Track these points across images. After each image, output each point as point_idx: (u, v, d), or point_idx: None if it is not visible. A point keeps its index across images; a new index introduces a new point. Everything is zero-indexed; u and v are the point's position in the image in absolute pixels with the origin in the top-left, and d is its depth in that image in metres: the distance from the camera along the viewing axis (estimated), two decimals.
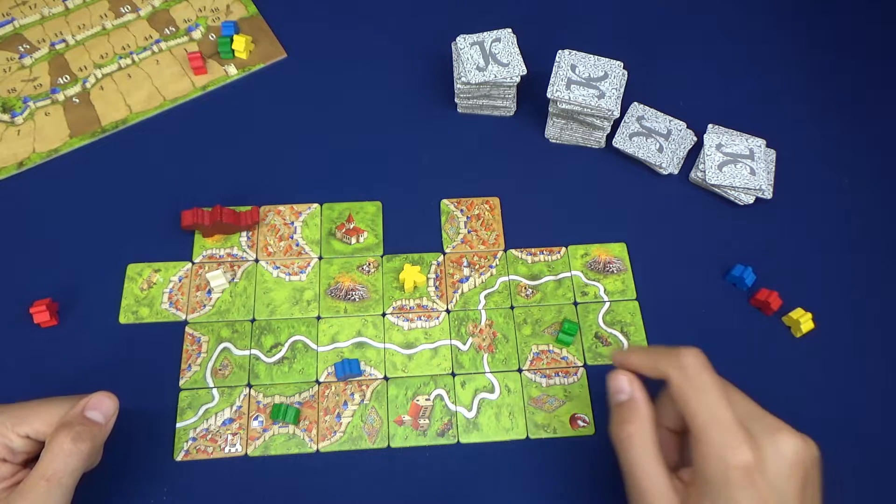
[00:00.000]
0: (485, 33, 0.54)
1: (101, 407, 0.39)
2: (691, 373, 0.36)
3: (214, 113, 0.57)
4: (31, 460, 0.39)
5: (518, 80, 0.53)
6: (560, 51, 0.53)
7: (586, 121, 0.53)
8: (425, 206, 0.53)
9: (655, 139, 0.55)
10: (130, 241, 0.51)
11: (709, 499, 0.34)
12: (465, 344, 0.48)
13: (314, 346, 0.48)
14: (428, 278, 0.50)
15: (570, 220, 0.53)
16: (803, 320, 0.48)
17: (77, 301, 0.49)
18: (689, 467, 0.36)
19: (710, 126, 0.56)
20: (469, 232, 0.52)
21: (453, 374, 0.47)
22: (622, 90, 0.53)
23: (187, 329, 0.48)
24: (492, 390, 0.47)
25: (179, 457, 0.44)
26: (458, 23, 0.57)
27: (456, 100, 0.56)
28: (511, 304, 0.50)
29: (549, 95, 0.52)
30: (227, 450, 0.45)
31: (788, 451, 0.34)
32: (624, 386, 0.39)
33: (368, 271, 0.51)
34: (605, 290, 0.50)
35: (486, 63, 0.53)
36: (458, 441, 0.45)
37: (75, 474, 0.36)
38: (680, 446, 0.39)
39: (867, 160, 0.57)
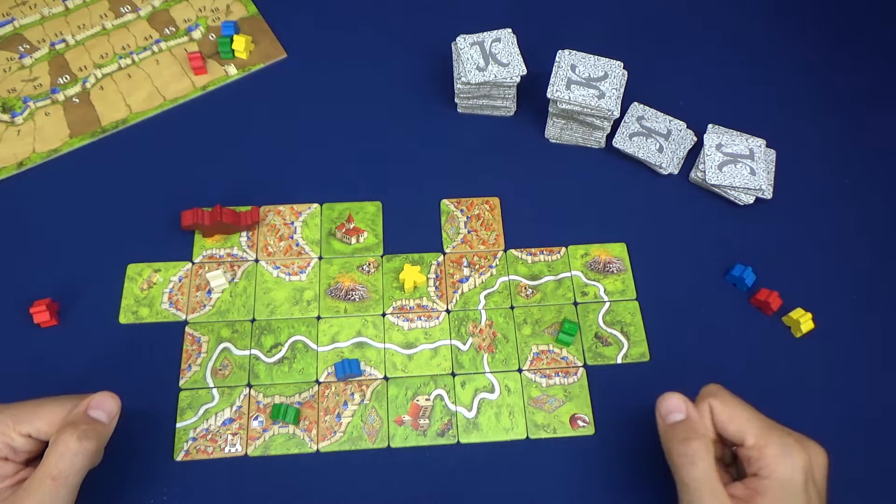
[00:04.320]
0: (485, 33, 0.54)
1: (104, 406, 0.39)
2: (727, 397, 0.40)
3: (214, 113, 0.57)
4: (32, 459, 0.39)
5: (518, 80, 0.53)
6: (560, 51, 0.53)
7: (586, 121, 0.53)
8: (425, 206, 0.53)
9: (655, 139, 0.55)
10: (130, 241, 0.51)
11: (762, 492, 0.37)
12: (465, 344, 0.48)
13: (314, 346, 0.48)
14: (428, 278, 0.50)
15: (570, 220, 0.53)
16: (803, 320, 0.48)
17: (77, 301, 0.49)
18: (739, 482, 0.38)
19: (710, 126, 0.56)
20: (469, 232, 0.52)
21: (453, 374, 0.47)
22: (622, 90, 0.53)
23: (187, 329, 0.48)
24: (492, 390, 0.47)
25: (179, 457, 0.44)
26: (458, 23, 0.57)
27: (456, 100, 0.56)
28: (511, 304, 0.50)
29: (549, 95, 0.52)
30: (227, 450, 0.44)
31: (821, 460, 0.38)
32: (679, 405, 0.40)
33: (368, 271, 0.51)
34: (605, 290, 0.50)
35: (486, 63, 0.53)
36: (458, 441, 0.45)
37: (81, 473, 0.37)
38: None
39: (867, 160, 0.57)
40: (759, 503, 0.37)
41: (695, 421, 0.39)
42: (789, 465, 0.37)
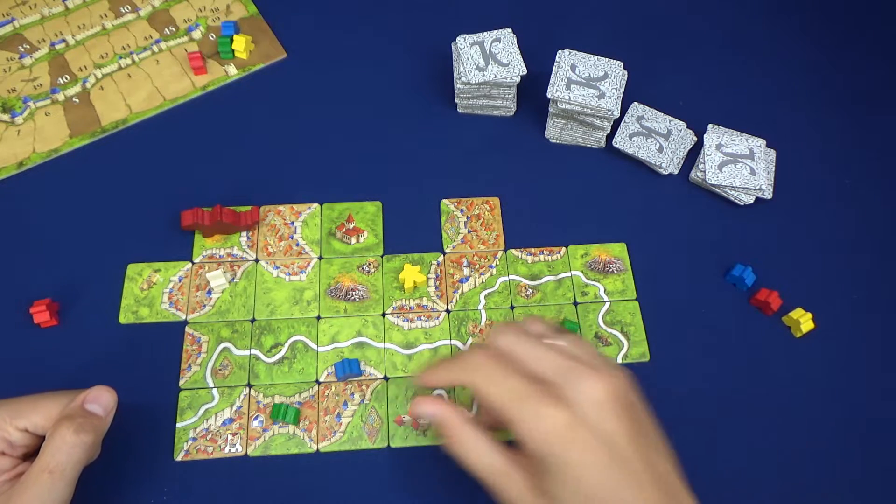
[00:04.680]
0: (485, 33, 0.54)
1: (101, 400, 0.39)
2: (474, 366, 0.37)
3: (214, 113, 0.57)
4: (30, 454, 0.39)
5: (518, 80, 0.53)
6: (560, 51, 0.53)
7: (586, 121, 0.53)
8: (425, 206, 0.53)
9: (655, 139, 0.55)
10: (130, 241, 0.51)
11: (543, 468, 0.34)
12: (465, 344, 0.48)
13: (314, 346, 0.48)
14: (428, 278, 0.50)
15: (570, 220, 0.53)
16: (803, 320, 0.48)
17: (77, 301, 0.49)
18: None
19: (710, 126, 0.56)
20: (469, 232, 0.52)
21: None
22: (622, 90, 0.53)
23: (187, 329, 0.48)
24: None
25: (179, 457, 0.44)
26: (458, 23, 0.57)
27: (456, 100, 0.56)
28: (511, 304, 0.50)
29: (549, 95, 0.52)
30: (227, 450, 0.45)
31: (598, 394, 0.35)
32: (426, 410, 0.39)
33: (368, 271, 0.51)
34: (605, 290, 0.50)
35: (486, 63, 0.53)
36: None
37: (78, 466, 0.37)
38: None
39: (867, 160, 0.57)
40: (533, 470, 0.35)
41: (443, 415, 0.38)
42: (537, 434, 0.34)
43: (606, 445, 0.34)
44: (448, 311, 0.49)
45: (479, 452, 0.37)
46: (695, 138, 0.56)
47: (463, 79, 0.53)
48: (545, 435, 0.34)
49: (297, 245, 0.51)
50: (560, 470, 0.34)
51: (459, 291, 0.50)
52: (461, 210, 0.53)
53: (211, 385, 0.46)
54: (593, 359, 0.37)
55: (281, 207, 0.53)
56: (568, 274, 0.51)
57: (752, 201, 0.53)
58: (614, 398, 0.35)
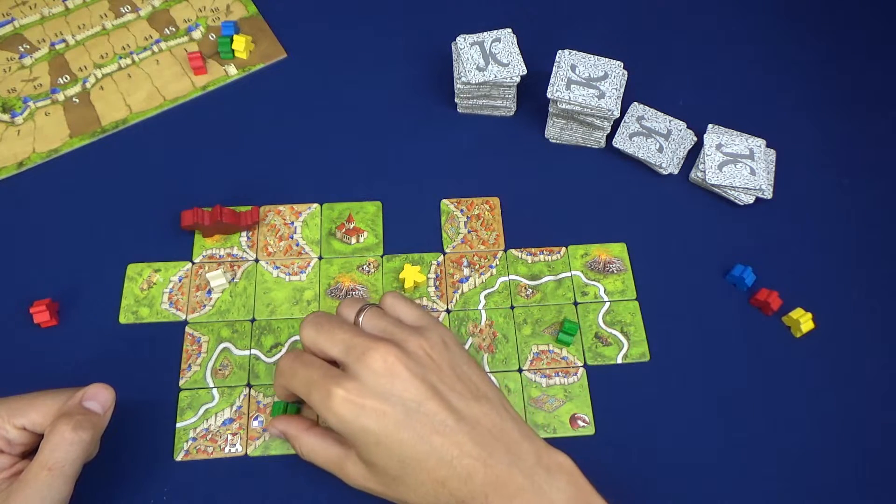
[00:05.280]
0: (485, 33, 0.54)
1: (99, 397, 0.39)
2: (280, 370, 0.41)
3: (214, 113, 0.57)
4: (28, 452, 0.39)
5: (518, 80, 0.53)
6: (560, 51, 0.53)
7: (586, 121, 0.53)
8: (425, 206, 0.53)
9: (655, 139, 0.55)
10: (130, 241, 0.51)
11: (355, 442, 0.37)
12: (465, 344, 0.48)
13: None
14: (428, 278, 0.50)
15: (570, 220, 0.53)
16: (803, 320, 0.48)
17: (77, 301, 0.49)
18: None
19: (710, 126, 0.56)
20: (469, 232, 0.52)
21: None
22: (622, 90, 0.53)
23: (187, 329, 0.48)
24: None
25: (179, 457, 0.44)
26: (458, 23, 0.57)
27: (456, 100, 0.56)
28: (511, 304, 0.50)
29: (549, 95, 0.52)
30: (227, 450, 0.45)
31: (378, 364, 0.37)
32: (272, 431, 0.43)
33: (368, 271, 0.51)
34: (605, 290, 0.50)
35: (486, 63, 0.53)
36: None
37: (76, 464, 0.37)
38: None
39: (867, 160, 0.57)
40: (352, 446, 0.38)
41: (287, 431, 0.42)
42: (331, 416, 0.37)
43: (399, 406, 0.36)
44: (448, 311, 0.49)
45: (318, 450, 0.40)
46: (695, 138, 0.56)
47: (463, 79, 0.53)
48: (338, 413, 0.36)
49: (297, 245, 0.51)
50: (365, 439, 0.36)
51: (459, 291, 0.50)
52: (461, 210, 0.53)
53: (211, 385, 0.46)
54: (391, 326, 0.40)
55: (281, 207, 0.53)
56: (568, 274, 0.51)
57: (752, 201, 0.53)
58: (398, 362, 0.37)
